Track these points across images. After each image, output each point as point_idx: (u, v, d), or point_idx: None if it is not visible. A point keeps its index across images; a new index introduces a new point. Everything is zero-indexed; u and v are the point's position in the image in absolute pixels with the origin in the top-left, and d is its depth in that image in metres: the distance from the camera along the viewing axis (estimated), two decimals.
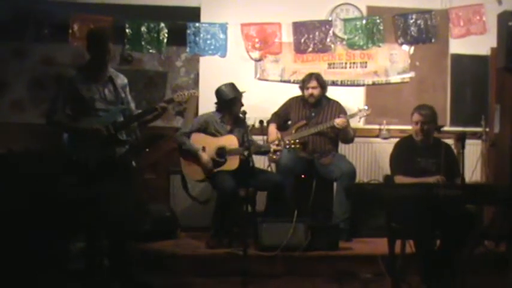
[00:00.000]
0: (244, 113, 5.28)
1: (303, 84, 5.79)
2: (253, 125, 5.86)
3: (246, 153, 5.03)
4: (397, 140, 5.25)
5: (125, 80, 4.56)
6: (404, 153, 4.89)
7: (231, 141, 5.44)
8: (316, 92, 5.73)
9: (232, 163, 5.38)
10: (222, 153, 5.41)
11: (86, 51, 4.42)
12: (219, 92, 5.54)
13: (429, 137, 4.92)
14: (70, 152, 4.33)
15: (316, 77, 5.77)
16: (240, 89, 5.55)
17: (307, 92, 5.74)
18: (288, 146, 5.23)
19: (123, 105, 4.46)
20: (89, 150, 4.27)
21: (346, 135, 5.70)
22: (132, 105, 4.59)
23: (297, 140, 5.28)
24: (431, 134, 4.92)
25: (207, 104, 5.81)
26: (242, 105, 5.51)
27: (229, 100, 5.48)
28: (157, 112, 4.50)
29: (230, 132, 5.54)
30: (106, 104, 4.38)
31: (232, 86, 5.53)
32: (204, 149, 5.43)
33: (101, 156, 4.29)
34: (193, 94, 4.89)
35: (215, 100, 5.58)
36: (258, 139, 5.84)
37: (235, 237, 5.25)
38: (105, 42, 4.33)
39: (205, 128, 5.53)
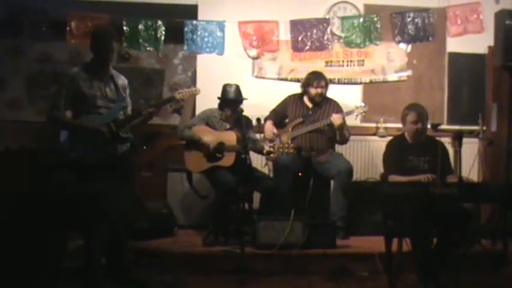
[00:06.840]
0: (241, 110, 5.31)
1: (310, 82, 5.75)
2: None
3: (243, 152, 5.04)
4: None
5: (126, 81, 4.57)
6: (397, 152, 4.87)
7: (230, 137, 5.43)
8: (324, 91, 5.74)
9: (229, 159, 5.37)
10: (220, 148, 5.41)
11: (88, 49, 4.41)
12: (222, 88, 5.55)
13: (422, 136, 4.93)
14: (69, 149, 4.32)
15: (324, 76, 5.78)
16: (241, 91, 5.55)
17: (315, 91, 5.71)
18: (281, 150, 5.20)
19: (124, 103, 4.47)
20: (90, 147, 4.26)
21: (341, 135, 5.68)
22: (129, 108, 4.58)
23: (292, 145, 5.24)
24: (425, 132, 4.93)
25: (205, 101, 5.81)
26: (240, 110, 5.49)
27: (226, 100, 5.49)
28: (143, 117, 4.48)
29: (229, 130, 5.54)
30: (107, 101, 4.38)
31: (236, 88, 5.52)
32: None
33: (102, 154, 4.29)
34: (194, 92, 4.88)
35: (213, 98, 5.57)
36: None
37: (232, 235, 5.23)
38: (109, 42, 4.33)
39: (206, 122, 5.56)
